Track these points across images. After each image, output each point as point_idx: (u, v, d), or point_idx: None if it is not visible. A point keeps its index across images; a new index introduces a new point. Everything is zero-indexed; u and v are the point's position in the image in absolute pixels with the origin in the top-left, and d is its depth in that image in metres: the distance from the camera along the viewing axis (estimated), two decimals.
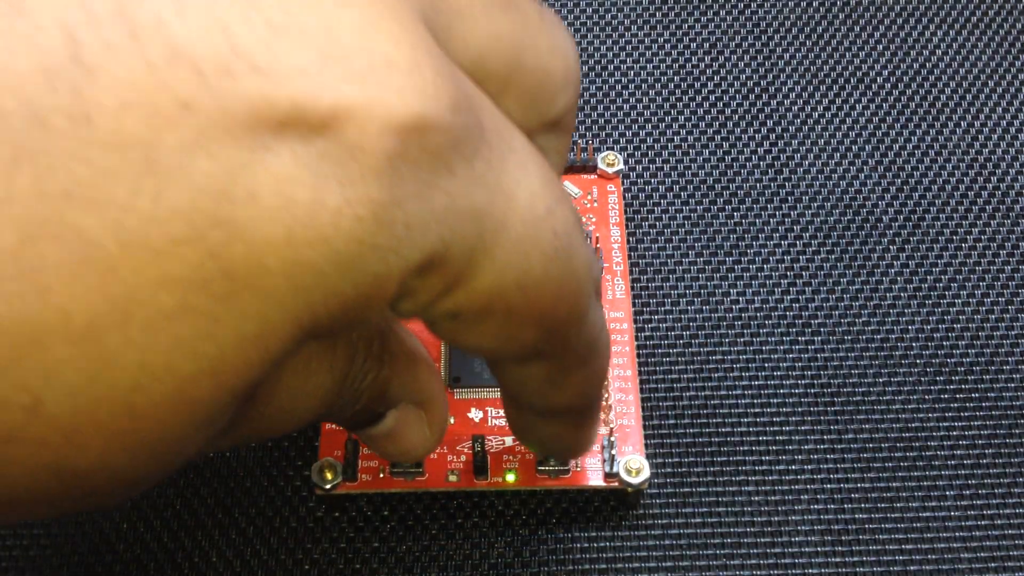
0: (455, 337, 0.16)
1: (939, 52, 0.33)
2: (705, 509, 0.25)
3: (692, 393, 0.27)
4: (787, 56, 0.33)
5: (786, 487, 0.26)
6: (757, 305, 0.28)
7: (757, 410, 0.27)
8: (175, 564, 0.25)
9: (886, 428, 0.26)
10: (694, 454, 0.26)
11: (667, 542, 0.25)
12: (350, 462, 0.24)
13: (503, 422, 0.25)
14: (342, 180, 0.12)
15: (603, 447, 0.24)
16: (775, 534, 0.25)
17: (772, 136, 0.31)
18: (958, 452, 0.26)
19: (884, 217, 0.30)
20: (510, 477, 0.24)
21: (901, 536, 0.25)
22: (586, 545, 0.25)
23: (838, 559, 0.25)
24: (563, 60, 0.17)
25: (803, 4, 0.34)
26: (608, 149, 0.31)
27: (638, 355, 0.27)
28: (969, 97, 0.32)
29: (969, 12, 0.34)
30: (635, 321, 0.28)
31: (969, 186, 0.30)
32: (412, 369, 0.19)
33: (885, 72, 0.32)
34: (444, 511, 0.25)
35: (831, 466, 0.26)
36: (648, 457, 0.26)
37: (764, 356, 0.27)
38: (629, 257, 0.29)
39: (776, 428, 0.26)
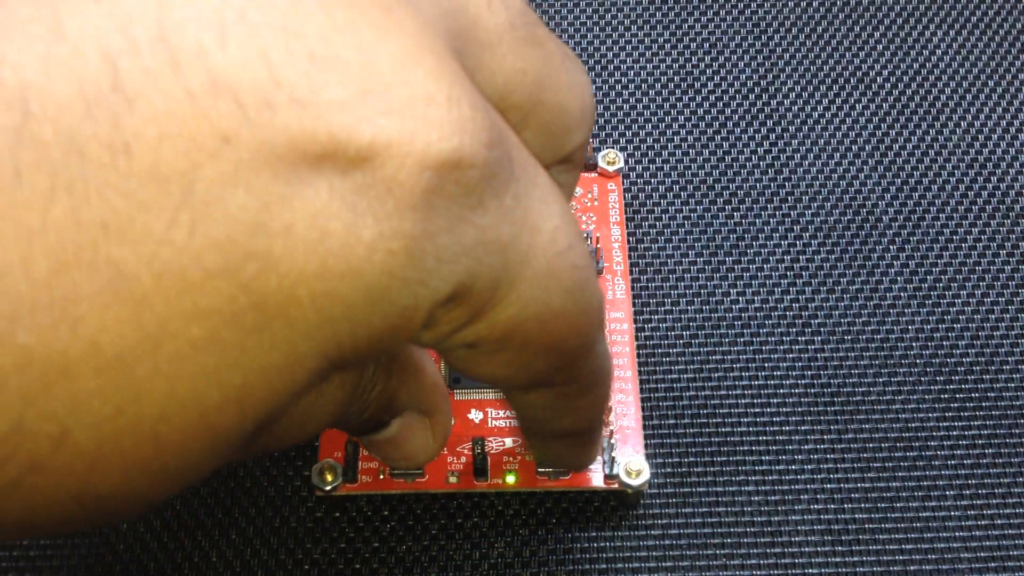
0: (468, 366, 0.16)
1: (939, 52, 0.33)
2: (705, 509, 0.25)
3: (692, 393, 0.27)
4: (787, 56, 0.33)
5: (786, 487, 0.26)
6: (757, 305, 0.28)
7: (757, 410, 0.27)
8: (175, 564, 0.25)
9: (886, 428, 0.26)
10: (694, 454, 0.26)
11: (667, 542, 0.25)
12: (350, 464, 0.24)
13: (503, 423, 0.25)
14: (377, 214, 0.13)
15: (603, 449, 0.24)
16: (775, 534, 0.25)
17: (772, 136, 0.31)
18: (958, 452, 0.26)
19: (884, 217, 0.30)
20: (510, 479, 0.24)
21: (901, 536, 0.25)
22: (586, 545, 0.25)
23: (838, 559, 0.25)
24: (581, 98, 0.18)
25: (803, 4, 0.34)
26: (608, 148, 0.31)
27: (638, 355, 0.27)
28: (969, 97, 0.32)
29: (969, 12, 0.34)
30: (635, 321, 0.28)
31: (969, 186, 0.30)
32: (418, 379, 0.19)
33: (885, 72, 0.32)
34: (444, 511, 0.25)
35: (831, 466, 0.26)
36: (648, 457, 0.26)
37: (764, 356, 0.27)
38: (629, 257, 0.29)
39: (776, 428, 0.26)
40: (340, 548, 0.25)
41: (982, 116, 0.32)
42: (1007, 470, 0.26)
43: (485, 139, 0.13)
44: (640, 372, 0.27)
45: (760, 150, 0.31)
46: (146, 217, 0.11)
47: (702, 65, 0.33)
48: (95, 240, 0.11)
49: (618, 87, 0.32)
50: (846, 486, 0.26)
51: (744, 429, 0.26)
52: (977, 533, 0.25)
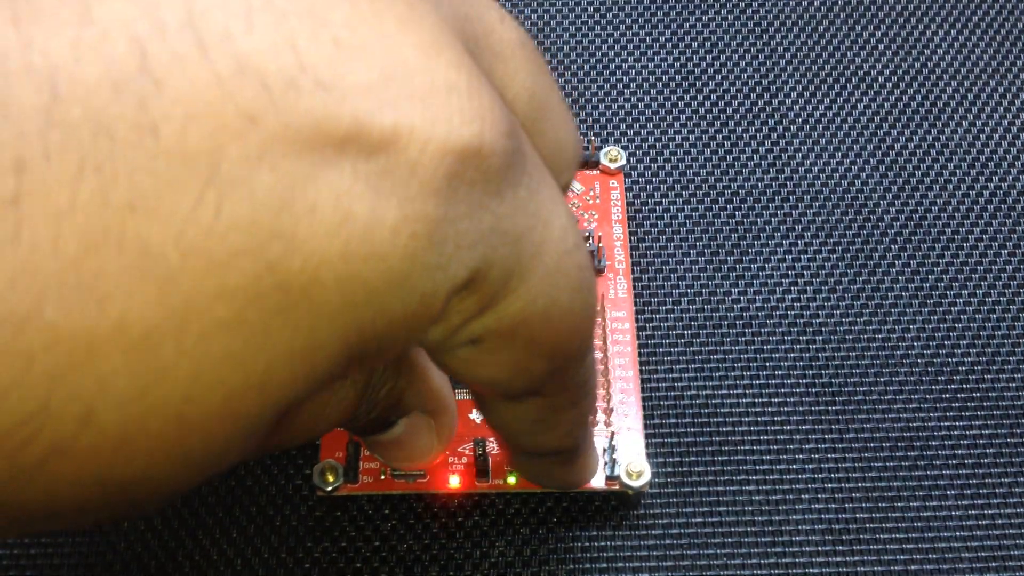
0: (467, 368, 0.16)
1: (939, 52, 0.33)
2: (705, 509, 0.25)
3: (693, 392, 0.27)
4: (788, 55, 0.33)
5: (786, 487, 0.26)
6: (758, 304, 0.28)
7: (757, 410, 0.27)
8: (176, 562, 0.24)
9: (886, 428, 0.26)
10: (695, 454, 0.26)
11: (667, 542, 0.25)
12: (351, 464, 0.24)
13: None
14: (401, 197, 0.13)
15: (604, 450, 0.24)
16: (775, 534, 0.25)
17: (773, 135, 0.31)
18: (959, 452, 0.26)
19: (885, 216, 0.30)
20: (511, 480, 0.24)
21: (902, 536, 0.25)
22: (587, 544, 0.25)
23: (838, 559, 0.25)
24: (575, 140, 0.18)
25: (804, 3, 0.34)
26: (611, 146, 0.31)
27: (639, 355, 0.27)
28: (970, 97, 0.32)
29: (969, 12, 0.34)
30: (636, 320, 0.28)
31: (970, 186, 0.30)
32: (425, 379, 0.19)
33: (886, 71, 0.32)
34: (444, 510, 0.25)
35: (831, 466, 0.26)
36: (649, 456, 0.26)
37: (765, 356, 0.27)
38: (631, 256, 0.29)
39: (776, 428, 0.26)
40: (341, 547, 0.25)
41: (982, 116, 0.32)
42: (1008, 470, 0.26)
43: (504, 129, 0.14)
44: (641, 372, 0.27)
45: (761, 149, 0.31)
46: (173, 196, 0.12)
47: (703, 64, 0.33)
48: (123, 219, 0.11)
49: (619, 86, 0.32)
50: (846, 486, 0.26)
51: (744, 429, 0.26)
52: (978, 533, 0.25)
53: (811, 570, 0.24)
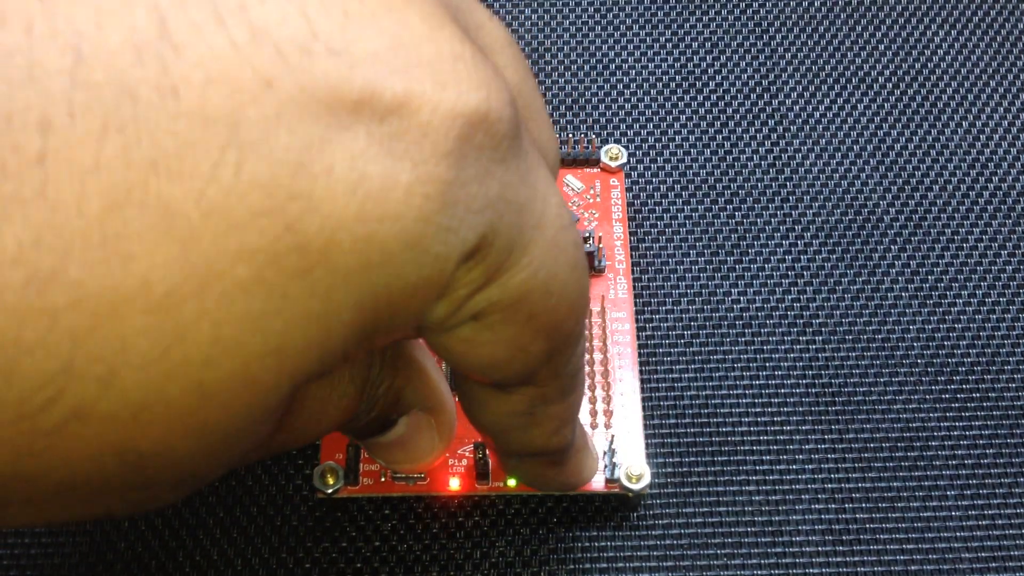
0: (466, 349, 0.16)
1: (940, 52, 0.33)
2: (706, 509, 0.25)
3: (693, 393, 0.27)
4: (788, 55, 0.33)
5: (786, 487, 0.26)
6: (758, 304, 0.28)
7: (757, 410, 0.27)
8: (176, 562, 0.25)
9: (886, 428, 0.26)
10: (695, 454, 0.26)
11: (668, 542, 0.25)
12: (351, 466, 0.24)
13: None
14: (415, 158, 0.13)
15: (604, 452, 0.24)
16: (775, 534, 0.25)
17: (773, 135, 0.31)
18: (959, 452, 0.26)
19: (885, 216, 0.30)
20: (511, 482, 0.24)
21: (902, 536, 0.25)
22: (587, 544, 0.25)
23: (839, 559, 0.25)
24: (555, 146, 0.18)
25: (804, 3, 0.34)
26: (611, 144, 0.31)
27: (639, 355, 0.27)
28: (970, 97, 0.32)
29: (970, 12, 0.34)
30: (636, 321, 0.28)
31: (970, 186, 0.30)
32: (423, 376, 0.19)
33: (886, 72, 0.32)
34: (445, 512, 0.25)
35: (831, 466, 0.26)
36: (649, 456, 0.26)
37: (764, 356, 0.27)
38: (631, 256, 0.29)
39: (776, 428, 0.26)
40: (341, 547, 0.25)
41: (982, 116, 0.32)
42: (1008, 470, 0.26)
43: (507, 98, 0.14)
44: (641, 372, 0.27)
45: (761, 149, 0.31)
46: (194, 156, 0.12)
47: (703, 64, 0.33)
48: (145, 179, 0.12)
49: (619, 86, 0.32)
50: (846, 486, 0.26)
51: (744, 429, 0.26)
52: (978, 533, 0.25)
53: (811, 570, 0.24)
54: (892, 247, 0.29)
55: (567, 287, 0.16)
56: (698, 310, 0.28)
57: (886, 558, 0.25)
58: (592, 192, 0.28)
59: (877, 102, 0.32)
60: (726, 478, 0.26)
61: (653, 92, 0.32)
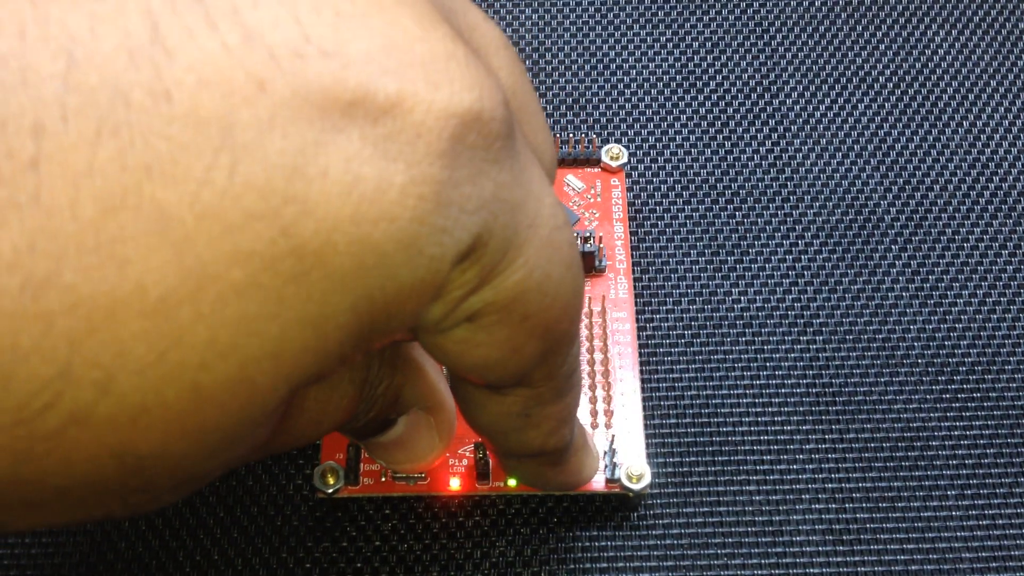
0: (461, 350, 0.16)
1: (940, 52, 0.33)
2: (706, 509, 0.25)
3: (693, 393, 0.27)
4: (789, 55, 0.33)
5: (786, 487, 0.26)
6: (759, 304, 0.28)
7: (757, 410, 0.27)
8: (176, 562, 0.25)
9: (886, 428, 0.26)
10: (695, 454, 0.26)
11: (668, 542, 0.25)
12: (352, 466, 0.24)
13: None
14: (408, 159, 0.13)
15: (605, 452, 0.24)
16: (775, 534, 0.25)
17: (774, 135, 0.31)
18: (959, 452, 0.26)
19: (885, 216, 0.30)
20: (511, 482, 0.24)
21: (902, 536, 0.25)
22: (587, 544, 0.25)
23: (839, 559, 0.25)
24: (552, 148, 0.18)
25: (805, 3, 0.34)
26: (612, 144, 0.31)
27: (639, 355, 0.27)
28: (971, 97, 0.32)
29: (970, 12, 0.34)
30: (637, 320, 0.28)
31: (970, 186, 0.30)
32: (422, 375, 0.19)
33: (887, 71, 0.32)
34: (445, 510, 0.25)
35: (831, 466, 0.26)
36: (649, 456, 0.26)
37: (765, 356, 0.27)
38: (631, 256, 0.29)
39: (776, 428, 0.26)
40: (341, 547, 0.25)
41: (983, 116, 0.32)
42: (1008, 470, 0.26)
43: (500, 98, 0.14)
44: (641, 372, 0.27)
45: (762, 149, 0.31)
46: (188, 159, 0.12)
47: (703, 64, 0.33)
48: (140, 182, 0.12)
49: (620, 86, 0.32)
50: (846, 486, 0.26)
51: (744, 429, 0.26)
52: (978, 533, 0.25)
53: (811, 570, 0.25)
54: (892, 247, 0.29)
55: (561, 287, 0.16)
56: (699, 310, 0.28)
57: (886, 558, 0.25)
58: (593, 192, 0.28)
59: (877, 102, 0.32)
60: (726, 478, 0.26)
61: (653, 92, 0.32)
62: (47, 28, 0.12)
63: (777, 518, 0.25)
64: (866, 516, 0.25)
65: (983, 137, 0.31)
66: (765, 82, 0.32)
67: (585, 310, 0.27)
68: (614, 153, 0.29)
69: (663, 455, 0.26)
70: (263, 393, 0.13)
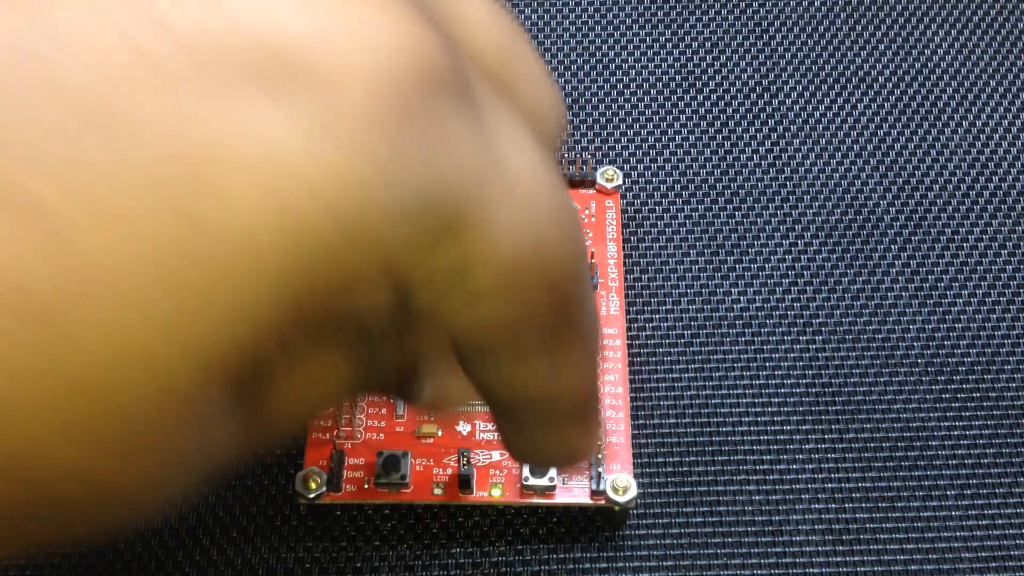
0: (470, 325, 0.14)
1: (940, 52, 0.33)
2: (705, 509, 0.25)
3: (693, 393, 0.27)
4: (788, 55, 0.33)
5: (786, 487, 0.26)
6: (758, 304, 0.28)
7: (757, 410, 0.27)
8: (176, 562, 0.24)
9: (886, 428, 0.26)
10: (695, 454, 0.26)
11: (668, 542, 0.25)
12: (335, 472, 0.24)
13: (491, 436, 0.25)
14: (331, 126, 0.11)
15: (590, 464, 0.24)
16: (775, 534, 0.25)
17: (773, 135, 0.31)
18: (959, 452, 0.26)
19: (885, 217, 0.30)
20: (495, 492, 0.24)
21: (902, 536, 0.25)
22: (587, 544, 0.25)
23: (839, 559, 0.25)
24: (553, 97, 0.16)
25: (804, 3, 0.34)
26: (607, 159, 0.31)
27: (639, 355, 0.27)
28: (970, 97, 0.32)
29: (970, 12, 0.34)
30: (636, 321, 0.28)
31: (970, 186, 0.30)
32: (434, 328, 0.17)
33: (886, 72, 0.32)
34: (437, 519, 0.25)
35: (831, 466, 0.26)
36: (649, 456, 0.26)
37: (764, 356, 0.27)
38: (625, 265, 0.29)
39: (776, 428, 0.26)
40: (341, 547, 0.25)
41: (982, 116, 0.32)
42: (1008, 470, 0.26)
43: (441, 45, 0.12)
44: (640, 369, 0.27)
45: (761, 149, 0.31)
46: (66, 145, 0.10)
47: (703, 64, 0.33)
48: (12, 174, 0.10)
49: (619, 86, 0.32)
50: (846, 486, 0.26)
51: (744, 429, 0.26)
52: (978, 533, 0.25)
53: (811, 570, 0.24)
54: (892, 247, 0.29)
55: (554, 239, 0.14)
56: (698, 310, 0.28)
57: (886, 558, 0.25)
58: (587, 213, 0.29)
59: (877, 102, 0.32)
60: (726, 478, 0.26)
61: (653, 92, 0.32)
62: None
63: (777, 518, 0.25)
64: (866, 516, 0.25)
65: (983, 137, 0.31)
66: (764, 82, 0.32)
67: None
68: (609, 175, 0.29)
69: (662, 454, 0.26)
70: (190, 396, 0.12)
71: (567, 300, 0.15)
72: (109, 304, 0.11)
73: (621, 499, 0.24)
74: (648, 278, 0.29)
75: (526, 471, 0.24)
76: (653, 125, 0.32)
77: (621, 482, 0.24)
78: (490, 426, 0.25)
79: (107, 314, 0.11)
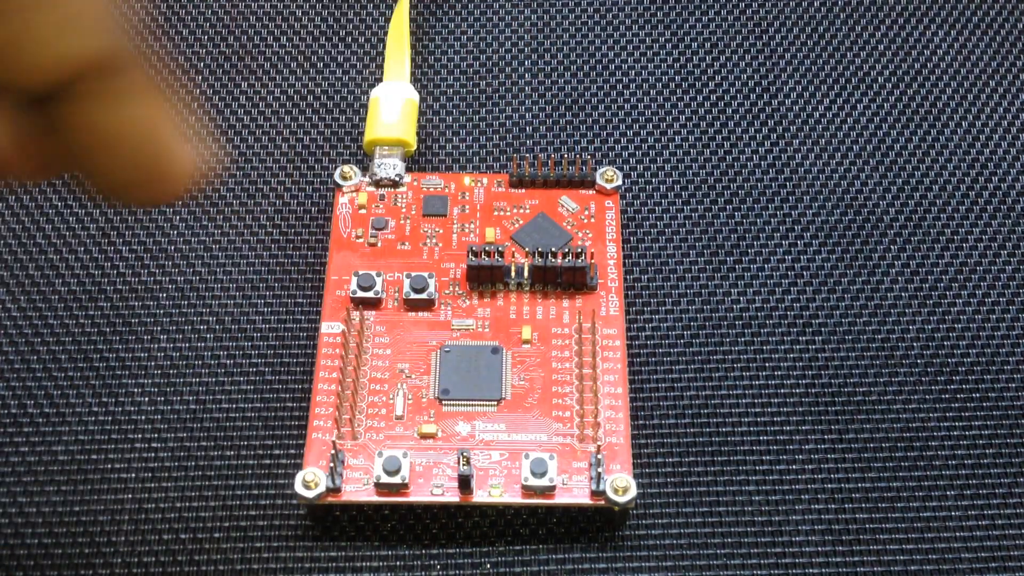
0: None
1: (939, 52, 0.33)
2: (705, 509, 0.25)
3: (693, 393, 0.27)
4: (788, 55, 0.33)
5: (786, 487, 0.26)
6: (758, 304, 0.28)
7: (757, 410, 0.27)
8: (176, 562, 0.25)
9: (886, 428, 0.26)
10: (694, 454, 0.26)
11: (668, 542, 0.25)
12: (335, 472, 0.24)
13: (491, 436, 0.25)
14: None
15: (591, 464, 0.24)
16: (775, 534, 0.25)
17: (773, 135, 0.31)
18: (958, 452, 0.26)
19: (885, 217, 0.30)
20: (495, 492, 0.24)
21: (901, 536, 0.25)
22: (586, 544, 0.25)
23: (838, 559, 0.25)
24: None
25: (804, 3, 0.34)
26: (607, 159, 0.31)
27: (639, 355, 0.27)
28: (970, 97, 0.32)
29: (969, 12, 0.34)
30: (636, 322, 0.28)
31: (970, 186, 0.30)
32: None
33: (886, 72, 0.32)
34: (435, 519, 0.25)
35: (831, 466, 0.26)
36: (648, 457, 0.26)
37: (764, 356, 0.27)
38: (624, 265, 0.29)
39: (776, 428, 0.26)
40: (341, 547, 0.25)
41: (982, 116, 0.32)
42: (1007, 470, 0.26)
43: None
44: (640, 369, 0.27)
45: (761, 150, 0.31)
46: None
47: (703, 65, 0.33)
48: None
49: (619, 87, 0.32)
50: (846, 486, 0.26)
51: (744, 429, 0.26)
52: (978, 533, 0.25)
53: (811, 570, 0.24)
54: (892, 247, 0.29)
55: None
56: (698, 310, 0.28)
57: (886, 558, 0.25)
58: (587, 213, 0.29)
59: (877, 102, 0.32)
60: (726, 478, 0.26)
61: (652, 92, 0.32)
62: None
63: (777, 518, 0.25)
64: (866, 516, 0.25)
65: (983, 137, 0.31)
66: (764, 82, 0.32)
67: (575, 325, 0.27)
68: (608, 176, 0.29)
69: (662, 455, 0.26)
70: None
71: None
72: None
73: (621, 499, 0.24)
74: (648, 278, 0.29)
75: (526, 471, 0.24)
76: (653, 125, 0.32)
77: (621, 482, 0.24)
78: (491, 426, 0.25)
79: None
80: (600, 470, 0.24)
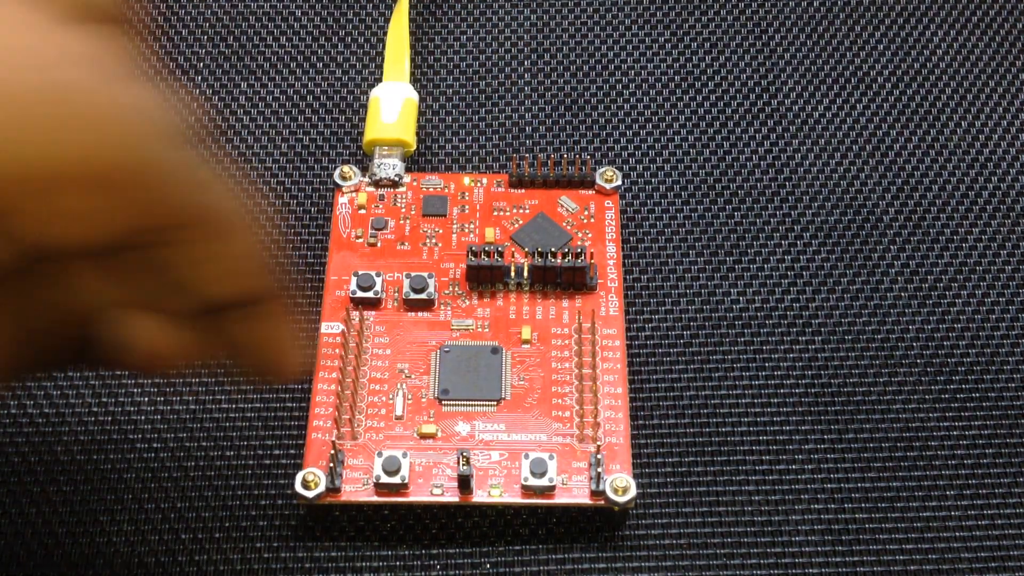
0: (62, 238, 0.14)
1: (939, 52, 0.33)
2: (705, 509, 0.25)
3: (692, 393, 0.27)
4: (788, 55, 0.33)
5: (786, 487, 0.26)
6: (758, 304, 0.28)
7: (757, 410, 0.27)
8: (176, 562, 0.25)
9: (886, 428, 0.26)
10: (694, 454, 0.26)
11: (667, 542, 0.25)
12: (335, 472, 0.24)
13: (491, 436, 0.25)
14: None
15: (590, 464, 0.24)
16: (775, 534, 0.25)
17: (773, 135, 0.31)
18: (958, 452, 0.26)
19: (884, 217, 0.30)
20: (495, 492, 0.24)
21: (901, 536, 0.25)
22: (586, 545, 0.25)
23: (838, 559, 0.25)
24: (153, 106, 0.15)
25: (803, 4, 0.34)
26: (607, 159, 0.31)
27: (639, 355, 0.27)
28: (969, 97, 0.32)
29: (969, 12, 0.34)
30: (635, 322, 0.28)
31: (969, 186, 0.30)
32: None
33: (886, 72, 0.32)
34: (435, 519, 0.25)
35: (831, 466, 0.26)
36: (648, 456, 0.26)
37: (764, 356, 0.27)
38: (624, 265, 0.29)
39: (776, 428, 0.26)
40: (341, 547, 0.25)
41: (982, 116, 0.32)
42: (1007, 470, 0.26)
43: None
44: (640, 369, 0.27)
45: (761, 149, 0.31)
46: None
47: (703, 65, 0.33)
48: None
49: (619, 87, 0.32)
50: (846, 486, 0.26)
51: (744, 429, 0.26)
52: (977, 533, 0.25)
53: (810, 570, 0.24)
54: (892, 247, 0.29)
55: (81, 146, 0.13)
56: (697, 310, 0.28)
57: (886, 558, 0.25)
58: (587, 213, 0.29)
59: (877, 102, 0.32)
60: (726, 478, 0.26)
61: (652, 92, 0.32)
62: None
63: (776, 518, 0.25)
64: (865, 516, 0.25)
65: (982, 137, 0.31)
66: (764, 82, 0.32)
67: (574, 325, 0.27)
68: (608, 176, 0.29)
69: (662, 455, 0.26)
70: None
71: (126, 185, 0.14)
72: None
73: (620, 499, 0.24)
74: (648, 278, 0.29)
75: (526, 471, 0.24)
76: (653, 125, 0.32)
77: (620, 482, 0.24)
78: (491, 426, 0.25)
79: None
80: (600, 470, 0.24)
